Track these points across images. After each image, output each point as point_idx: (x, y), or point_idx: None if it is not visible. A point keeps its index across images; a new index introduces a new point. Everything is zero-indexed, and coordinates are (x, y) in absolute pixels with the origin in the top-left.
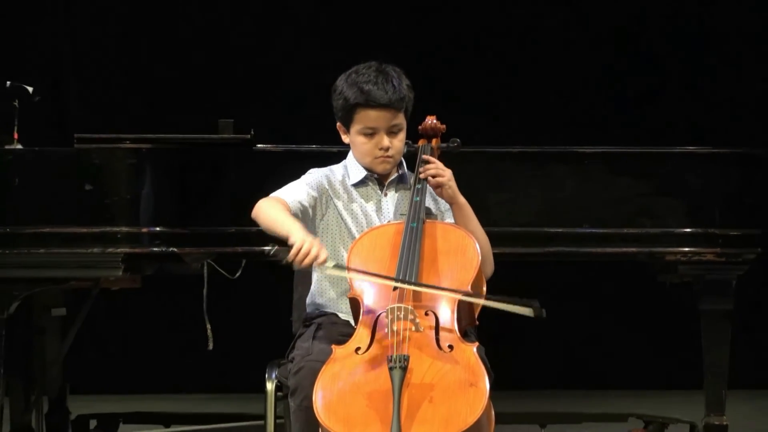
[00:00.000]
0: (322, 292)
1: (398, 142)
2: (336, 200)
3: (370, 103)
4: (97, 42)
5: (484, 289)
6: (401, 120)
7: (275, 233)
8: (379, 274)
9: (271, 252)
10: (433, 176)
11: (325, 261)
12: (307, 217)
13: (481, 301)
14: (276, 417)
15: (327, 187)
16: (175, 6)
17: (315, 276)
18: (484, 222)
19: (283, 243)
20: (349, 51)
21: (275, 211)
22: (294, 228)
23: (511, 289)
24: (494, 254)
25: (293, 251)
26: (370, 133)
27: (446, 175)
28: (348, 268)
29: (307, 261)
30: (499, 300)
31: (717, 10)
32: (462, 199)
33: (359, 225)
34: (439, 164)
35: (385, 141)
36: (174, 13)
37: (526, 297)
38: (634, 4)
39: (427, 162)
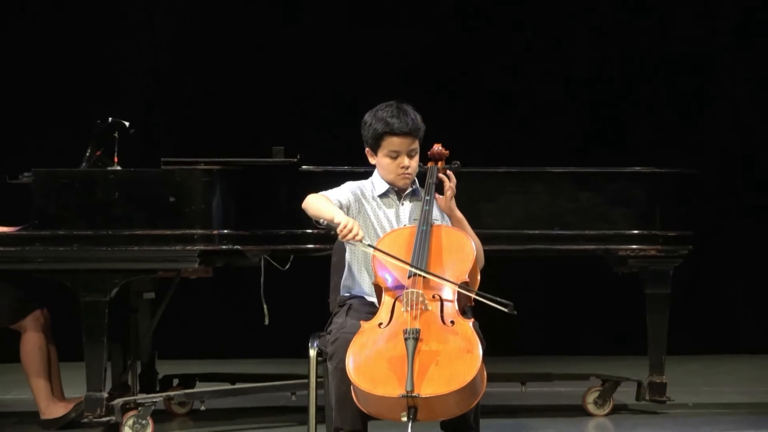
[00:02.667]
0: (354, 279)
1: (414, 163)
2: (366, 207)
3: (395, 132)
4: (178, 82)
5: (479, 277)
6: (417, 145)
7: (321, 217)
8: (398, 257)
9: (324, 224)
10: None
11: (362, 239)
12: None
13: (472, 295)
14: (317, 377)
15: (360, 195)
16: (235, 53)
17: (347, 266)
18: (477, 225)
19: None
20: (370, 88)
21: (322, 201)
22: (338, 212)
23: (500, 278)
24: (485, 251)
25: (340, 227)
26: (395, 156)
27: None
28: (376, 248)
29: (350, 236)
30: (487, 297)
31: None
32: (458, 214)
33: (382, 227)
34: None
35: (406, 161)
36: (234, 58)
37: (510, 284)
38: (604, 47)
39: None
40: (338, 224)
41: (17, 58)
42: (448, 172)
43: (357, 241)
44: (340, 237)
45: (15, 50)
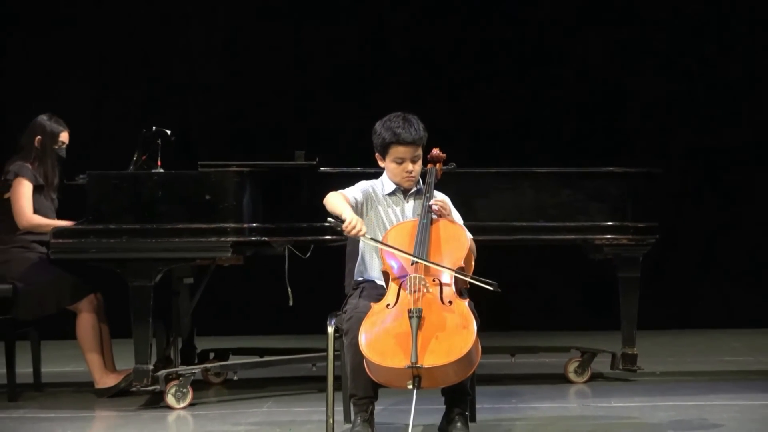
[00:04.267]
0: (366, 266)
1: (418, 167)
2: (377, 204)
3: (400, 141)
4: (213, 95)
5: (473, 263)
6: (420, 152)
7: (335, 213)
8: (397, 248)
9: (332, 222)
10: (439, 211)
11: (364, 234)
12: (356, 209)
13: (466, 278)
14: (334, 350)
15: (372, 193)
16: (263, 68)
17: (360, 254)
18: (471, 218)
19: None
20: (377, 104)
21: (338, 199)
22: (347, 210)
23: (492, 264)
24: (478, 240)
25: (345, 224)
26: (400, 162)
27: (446, 209)
28: (378, 241)
29: (353, 232)
30: (475, 278)
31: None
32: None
33: (390, 221)
34: (444, 204)
35: (410, 166)
36: (261, 72)
37: (501, 269)
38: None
39: (437, 201)
40: (344, 221)
41: (67, 72)
42: (433, 203)
43: (360, 235)
44: (345, 232)
45: (64, 67)
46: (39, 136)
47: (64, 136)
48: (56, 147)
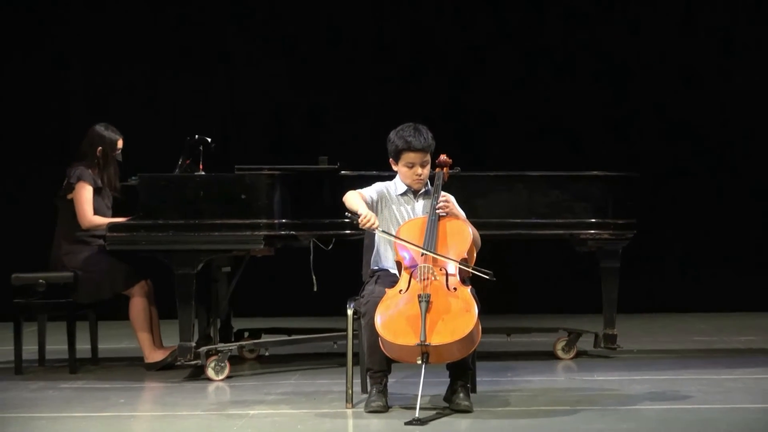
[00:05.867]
0: (381, 256)
1: (426, 171)
2: (390, 202)
3: (411, 148)
4: (247, 108)
5: (474, 255)
6: (428, 158)
7: (351, 208)
8: (409, 241)
9: (350, 217)
10: (445, 210)
11: (377, 227)
12: (371, 206)
13: (468, 268)
14: (353, 330)
15: (386, 193)
16: (290, 85)
17: (375, 247)
18: (473, 216)
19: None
20: (388, 117)
21: (355, 197)
22: (362, 206)
23: (491, 256)
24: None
25: (360, 218)
26: (411, 166)
27: (449, 207)
28: (390, 234)
29: (367, 225)
30: (474, 268)
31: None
32: (462, 216)
33: (402, 217)
34: (449, 204)
35: (419, 170)
36: (289, 89)
37: (498, 261)
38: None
39: (443, 199)
40: (359, 215)
41: (115, 90)
42: (440, 205)
43: (373, 228)
44: (360, 225)
45: (115, 86)
46: (100, 147)
47: (120, 143)
48: (115, 154)
